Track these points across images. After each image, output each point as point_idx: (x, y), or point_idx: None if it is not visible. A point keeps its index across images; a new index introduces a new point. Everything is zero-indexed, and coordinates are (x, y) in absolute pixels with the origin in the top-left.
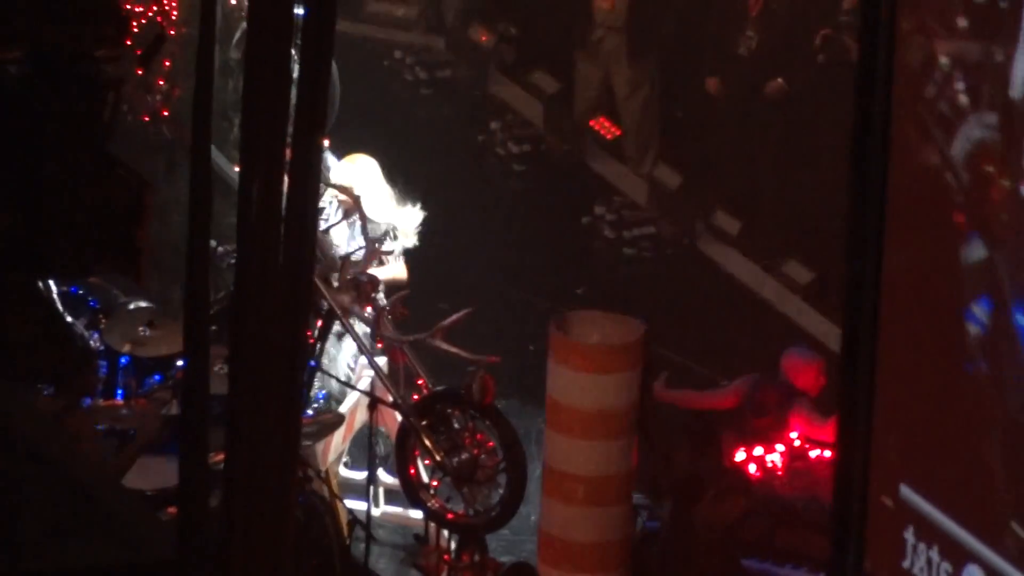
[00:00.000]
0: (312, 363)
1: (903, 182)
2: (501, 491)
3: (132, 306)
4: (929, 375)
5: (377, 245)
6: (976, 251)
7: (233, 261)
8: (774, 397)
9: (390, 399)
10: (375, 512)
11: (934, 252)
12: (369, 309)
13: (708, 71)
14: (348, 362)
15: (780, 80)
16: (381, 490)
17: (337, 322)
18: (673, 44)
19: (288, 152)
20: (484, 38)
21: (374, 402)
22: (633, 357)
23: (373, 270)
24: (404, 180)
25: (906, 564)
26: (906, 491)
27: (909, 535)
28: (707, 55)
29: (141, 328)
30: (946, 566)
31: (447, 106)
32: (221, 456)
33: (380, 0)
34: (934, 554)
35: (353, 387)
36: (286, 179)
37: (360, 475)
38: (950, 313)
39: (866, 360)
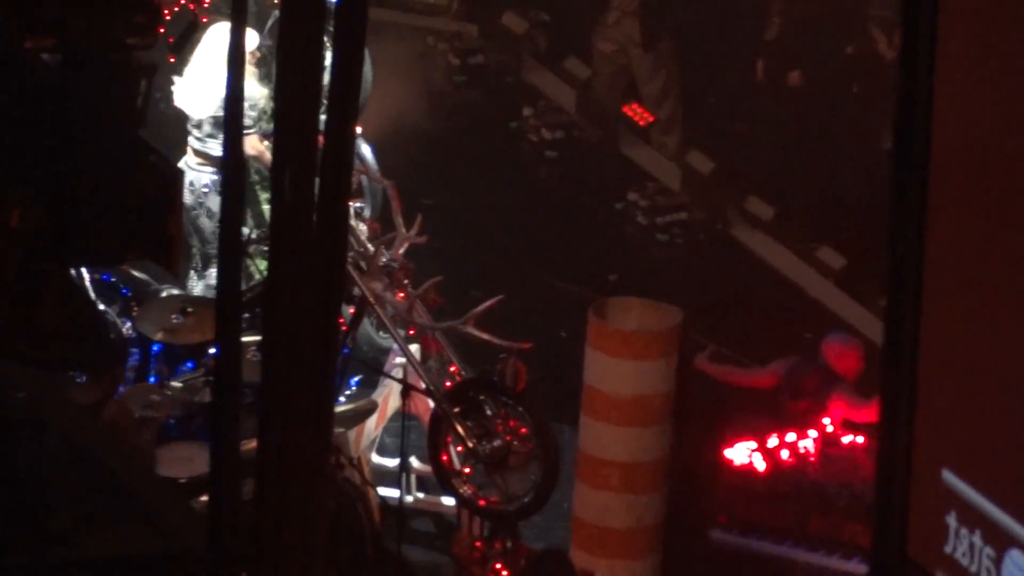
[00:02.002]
0: (345, 350)
1: (946, 162)
2: (534, 478)
3: (164, 294)
4: (972, 358)
5: (409, 231)
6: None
7: (266, 248)
8: (814, 381)
9: (423, 386)
10: (408, 499)
11: (978, 233)
12: (402, 296)
13: (737, 57)
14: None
15: (798, 72)
16: (414, 477)
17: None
18: (701, 29)
19: (320, 139)
20: (517, 25)
21: (407, 389)
22: (670, 343)
23: None
24: (437, 167)
25: (948, 549)
26: (948, 476)
27: (951, 520)
28: (735, 41)
29: (174, 316)
30: (988, 551)
31: (480, 92)
32: (253, 444)
33: None
34: (976, 539)
35: (386, 374)
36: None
37: (393, 462)
38: (995, 295)
39: (908, 344)
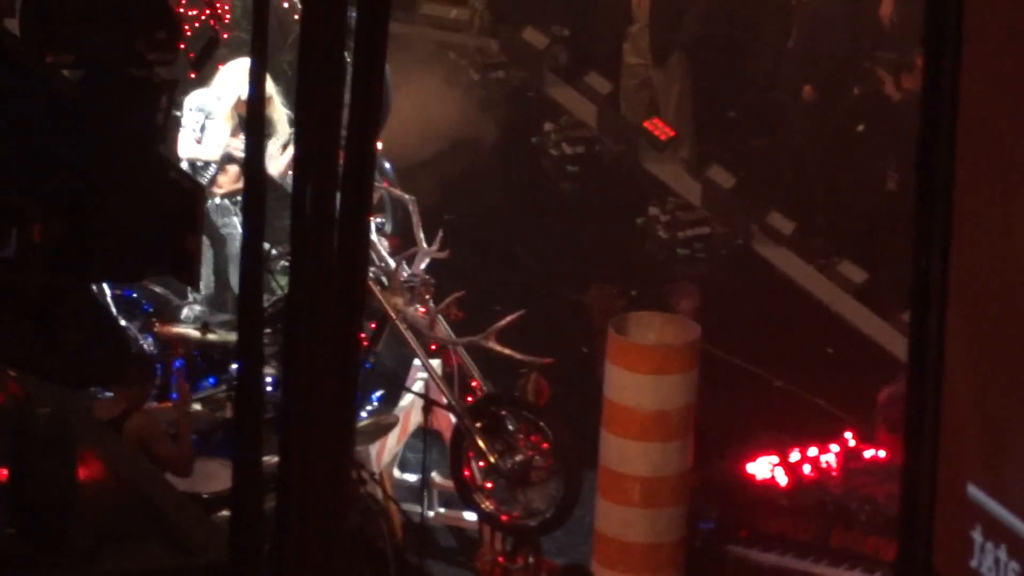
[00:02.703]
0: (366, 365)
1: (971, 173)
2: (555, 493)
3: (186, 310)
4: (998, 371)
5: (430, 246)
6: None
7: (287, 264)
8: None
9: (444, 401)
10: (430, 514)
11: (1004, 245)
12: (423, 311)
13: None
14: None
15: (809, 87)
16: (436, 492)
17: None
18: (720, 44)
19: (341, 155)
20: (538, 40)
21: (428, 404)
22: (690, 358)
23: None
24: (458, 182)
25: (974, 564)
26: (974, 490)
27: (976, 535)
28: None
29: (195, 332)
30: (1014, 566)
31: (501, 108)
32: (276, 459)
33: (433, 1)
34: (1002, 554)
35: (408, 389)
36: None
37: (414, 477)
38: (1021, 308)
39: (933, 357)
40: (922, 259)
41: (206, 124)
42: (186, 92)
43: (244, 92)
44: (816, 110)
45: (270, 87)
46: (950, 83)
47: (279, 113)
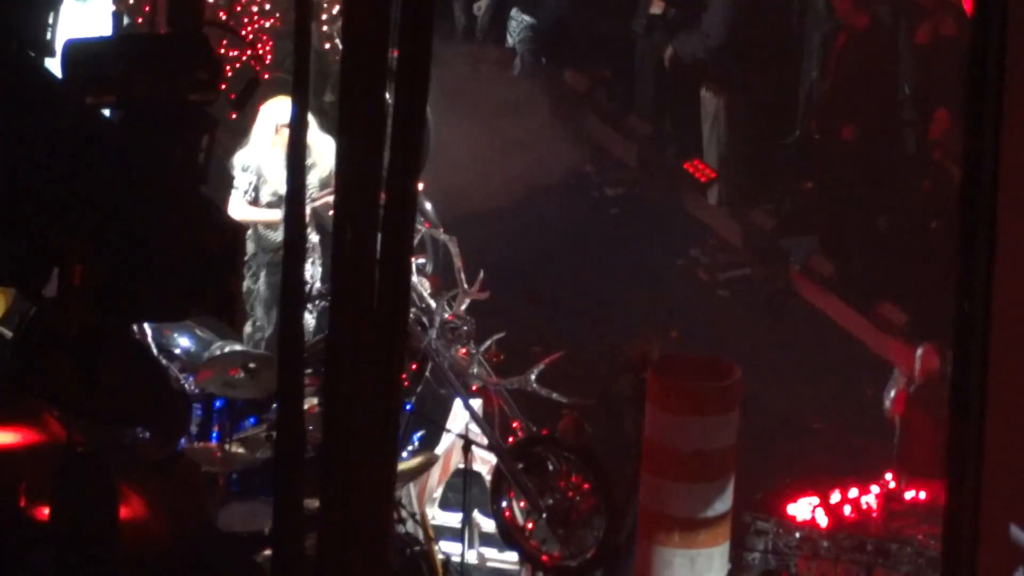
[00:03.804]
0: (407, 406)
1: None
2: (596, 533)
3: (227, 349)
4: None
5: (471, 287)
6: None
7: (327, 304)
8: None
9: (485, 441)
10: (470, 554)
11: None
12: (464, 352)
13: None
14: None
15: (849, 127)
16: (476, 532)
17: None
18: (760, 86)
19: (382, 195)
20: (579, 82)
21: (469, 444)
22: (730, 399)
23: None
24: (499, 223)
25: None
26: (1016, 531)
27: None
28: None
29: (236, 372)
30: None
31: (542, 149)
32: (316, 499)
33: (473, 44)
34: None
35: (448, 430)
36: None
37: (455, 517)
38: None
39: (976, 398)
40: (964, 299)
41: (258, 185)
42: (230, 152)
43: (283, 120)
44: (857, 150)
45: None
46: (992, 125)
47: (320, 143)
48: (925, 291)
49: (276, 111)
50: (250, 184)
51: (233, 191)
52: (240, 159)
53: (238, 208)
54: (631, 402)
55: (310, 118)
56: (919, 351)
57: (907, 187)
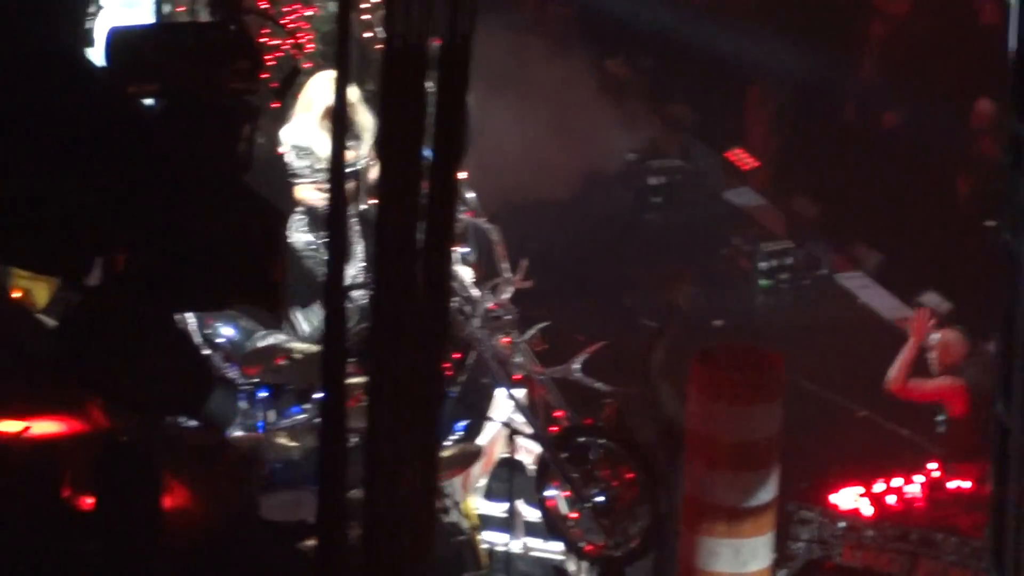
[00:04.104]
0: (450, 395)
1: None
2: (641, 522)
3: (270, 338)
4: None
5: (514, 276)
6: None
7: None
8: None
9: (529, 431)
10: (514, 544)
11: None
12: (507, 341)
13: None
14: None
15: (891, 114)
16: (521, 522)
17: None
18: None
19: (424, 184)
20: (621, 70)
21: (512, 434)
22: (775, 388)
23: None
24: (541, 211)
25: None
26: None
27: None
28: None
29: (280, 360)
30: None
31: (584, 136)
32: (360, 488)
33: (515, 31)
34: None
35: (492, 419)
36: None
37: (499, 507)
38: None
39: (1020, 385)
40: (1009, 287)
41: (318, 167)
42: (273, 142)
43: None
44: (902, 138)
45: (353, 93)
46: None
47: (363, 117)
48: (969, 280)
49: (324, 88)
50: (310, 167)
51: (297, 180)
52: (292, 142)
53: (308, 194)
54: (664, 376)
55: (356, 96)
56: (937, 336)
57: (949, 175)
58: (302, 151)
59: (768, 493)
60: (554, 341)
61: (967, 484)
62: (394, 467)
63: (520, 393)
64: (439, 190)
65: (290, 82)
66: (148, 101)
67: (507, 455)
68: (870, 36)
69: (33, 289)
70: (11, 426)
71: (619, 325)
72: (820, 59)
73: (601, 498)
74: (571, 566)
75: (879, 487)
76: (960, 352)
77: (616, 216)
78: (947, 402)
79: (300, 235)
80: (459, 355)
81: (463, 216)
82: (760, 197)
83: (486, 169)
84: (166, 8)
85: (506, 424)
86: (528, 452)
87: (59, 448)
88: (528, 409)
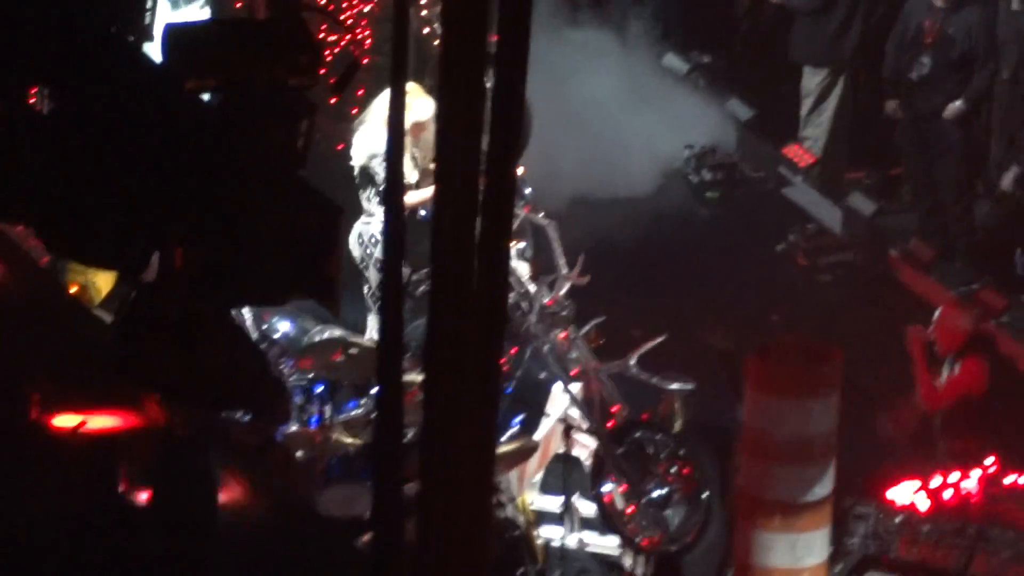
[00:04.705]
0: (507, 390)
1: None
2: (696, 517)
3: (327, 334)
4: None
5: (571, 271)
6: None
7: (427, 289)
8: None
9: (585, 426)
10: (570, 539)
11: None
12: (564, 336)
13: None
14: None
15: (959, 103)
16: (576, 517)
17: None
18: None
19: (482, 179)
20: (678, 66)
21: (569, 429)
22: (831, 382)
23: None
24: (597, 207)
25: None
26: None
27: None
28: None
29: (336, 356)
30: None
31: (640, 132)
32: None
33: (574, 28)
34: None
35: (548, 414)
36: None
37: (555, 502)
38: None
39: None
40: None
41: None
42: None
43: (417, 116)
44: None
45: (428, 108)
46: None
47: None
48: None
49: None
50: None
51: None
52: (370, 152)
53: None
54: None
55: (428, 100)
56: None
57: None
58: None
59: (824, 488)
60: (610, 336)
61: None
62: (450, 462)
63: (576, 388)
64: (496, 185)
65: (348, 78)
66: (206, 96)
67: (563, 450)
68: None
69: (90, 284)
70: (68, 421)
71: (676, 321)
72: (879, 48)
73: (657, 492)
74: (627, 561)
75: (936, 482)
76: (964, 329)
77: (672, 211)
78: (972, 389)
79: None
80: (516, 350)
81: (520, 211)
82: (817, 193)
83: (545, 164)
84: (224, 4)
85: (562, 419)
86: (584, 447)
87: (115, 443)
88: (584, 404)
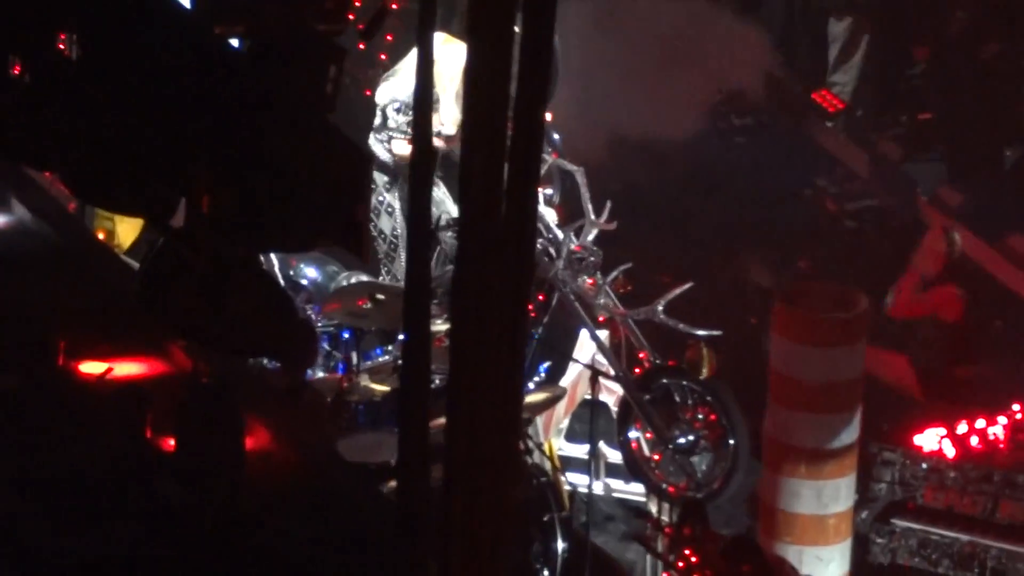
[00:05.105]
0: (534, 336)
1: None
2: (723, 464)
3: (353, 280)
4: None
5: (599, 218)
6: None
7: (455, 235)
8: None
9: (612, 373)
10: (596, 485)
11: None
12: (591, 283)
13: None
14: None
15: (995, 44)
16: (603, 463)
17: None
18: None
19: (510, 125)
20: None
21: (595, 376)
22: (858, 329)
23: None
24: (625, 153)
25: None
26: None
27: None
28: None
29: (363, 302)
30: None
31: (668, 77)
32: (442, 428)
33: None
34: None
35: (575, 360)
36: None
37: (582, 448)
38: None
39: None
40: None
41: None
42: (358, 83)
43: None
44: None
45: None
46: None
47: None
48: None
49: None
50: (408, 123)
51: (393, 135)
52: (394, 97)
53: (402, 149)
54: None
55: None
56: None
57: None
58: (406, 107)
59: (850, 434)
60: (638, 283)
61: None
62: (476, 409)
63: (603, 334)
64: (524, 131)
65: (377, 23)
66: (234, 42)
67: (589, 396)
68: None
69: (117, 230)
70: (95, 367)
71: (704, 267)
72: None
73: (683, 440)
74: (652, 507)
75: (962, 428)
76: (943, 255)
77: (701, 157)
78: (940, 311)
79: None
80: (543, 297)
81: (548, 157)
82: (846, 139)
83: (574, 110)
84: None
85: (589, 366)
86: (611, 393)
87: (142, 389)
88: (611, 351)
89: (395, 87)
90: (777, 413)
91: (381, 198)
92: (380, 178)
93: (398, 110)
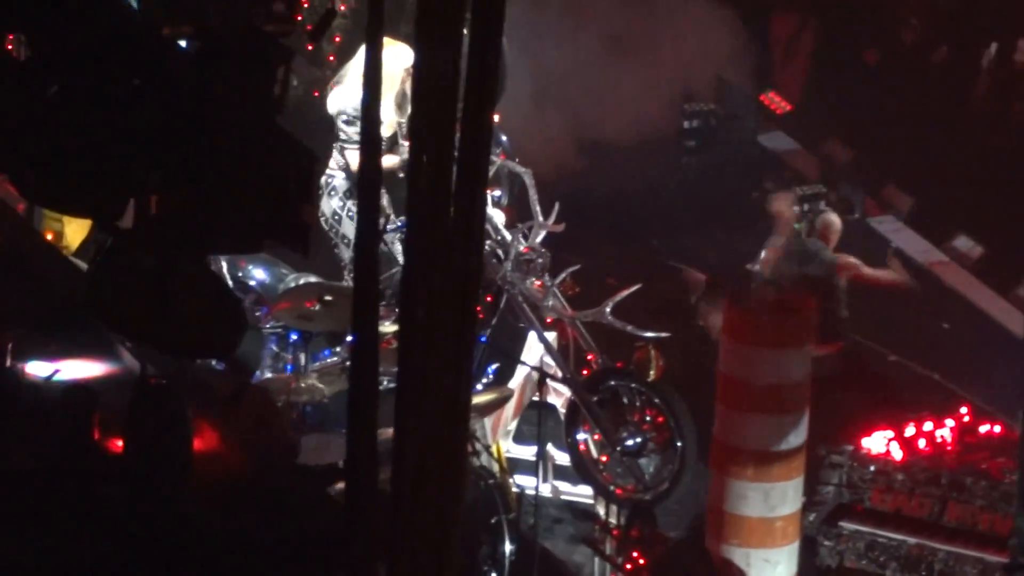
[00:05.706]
0: (482, 338)
1: None
2: (670, 466)
3: (302, 281)
4: None
5: (548, 221)
6: None
7: (403, 236)
8: None
9: (559, 374)
10: (544, 487)
11: None
12: (539, 284)
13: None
14: None
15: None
16: (550, 465)
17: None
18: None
19: (457, 127)
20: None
21: (543, 377)
22: (806, 331)
23: None
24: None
25: None
26: None
27: None
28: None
29: (311, 304)
30: None
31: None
32: (390, 432)
33: None
34: None
35: (523, 363)
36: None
37: (530, 450)
38: None
39: None
40: None
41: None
42: (307, 84)
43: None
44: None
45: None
46: None
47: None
48: (1003, 224)
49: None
50: (357, 133)
51: (347, 146)
52: (342, 108)
53: (356, 159)
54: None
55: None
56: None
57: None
58: (354, 118)
59: (798, 437)
60: (586, 285)
61: (997, 428)
62: (424, 411)
63: (551, 336)
64: (472, 133)
65: (325, 25)
66: (182, 43)
67: (537, 398)
68: None
69: (66, 231)
70: (43, 368)
71: (651, 269)
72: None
73: (631, 442)
74: (600, 509)
75: (910, 431)
76: (835, 230)
77: (650, 160)
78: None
79: (330, 201)
80: (491, 298)
81: (496, 159)
82: (793, 141)
83: (519, 113)
84: None
85: (537, 367)
86: (559, 395)
87: (90, 390)
88: (559, 352)
89: (343, 97)
90: (725, 415)
91: (343, 204)
92: (342, 185)
93: (347, 121)
